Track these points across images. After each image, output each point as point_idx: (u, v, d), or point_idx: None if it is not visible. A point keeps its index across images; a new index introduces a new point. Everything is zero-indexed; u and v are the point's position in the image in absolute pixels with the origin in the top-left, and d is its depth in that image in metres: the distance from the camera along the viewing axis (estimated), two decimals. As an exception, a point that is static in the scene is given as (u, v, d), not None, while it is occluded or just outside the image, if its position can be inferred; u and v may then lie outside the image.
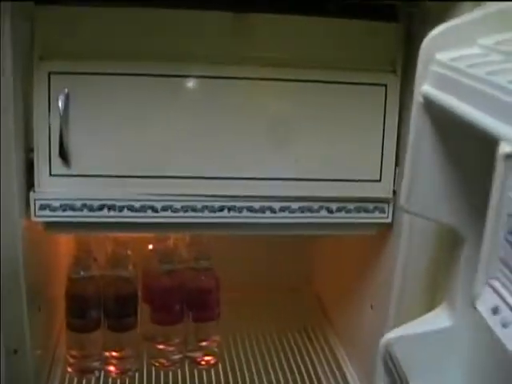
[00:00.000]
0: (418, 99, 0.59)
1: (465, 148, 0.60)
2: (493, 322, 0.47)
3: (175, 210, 0.80)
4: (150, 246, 1.00)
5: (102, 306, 0.92)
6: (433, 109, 0.58)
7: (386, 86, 0.82)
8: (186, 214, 0.81)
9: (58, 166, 0.78)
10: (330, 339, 1.10)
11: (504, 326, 0.46)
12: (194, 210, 0.81)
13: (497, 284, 0.48)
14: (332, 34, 0.82)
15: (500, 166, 0.46)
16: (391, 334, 0.71)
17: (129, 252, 0.97)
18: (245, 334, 1.10)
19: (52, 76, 0.76)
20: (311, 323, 1.14)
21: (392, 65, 0.82)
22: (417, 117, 0.60)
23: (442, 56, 0.58)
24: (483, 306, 0.49)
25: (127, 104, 0.78)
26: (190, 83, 0.79)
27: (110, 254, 0.96)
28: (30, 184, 0.79)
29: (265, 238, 1.02)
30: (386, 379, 0.73)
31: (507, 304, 0.46)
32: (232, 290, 1.01)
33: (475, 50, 0.58)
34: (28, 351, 0.81)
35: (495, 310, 0.47)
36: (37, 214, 0.79)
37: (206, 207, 0.80)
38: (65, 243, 1.05)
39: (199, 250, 0.97)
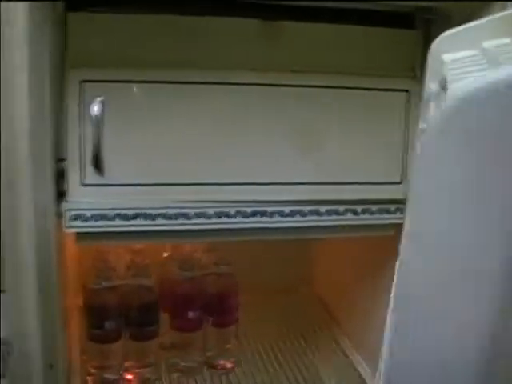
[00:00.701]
0: (424, 95, 0.63)
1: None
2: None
3: (209, 217, 0.80)
4: (165, 254, 1.00)
5: (124, 316, 0.91)
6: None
7: (407, 91, 0.84)
8: (220, 220, 0.81)
9: (90, 175, 0.77)
10: (340, 339, 1.12)
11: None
12: (227, 215, 0.81)
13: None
14: (354, 41, 0.84)
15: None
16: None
17: (147, 260, 0.96)
18: (256, 337, 1.10)
19: (84, 84, 0.75)
20: (318, 324, 1.16)
21: (413, 70, 0.84)
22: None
23: (446, 57, 0.61)
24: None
25: (160, 112, 0.78)
26: (223, 90, 0.79)
27: (129, 263, 0.95)
28: (59, 194, 0.77)
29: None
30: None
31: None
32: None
33: (475, 52, 0.62)
34: (60, 365, 0.79)
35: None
36: (68, 224, 0.77)
37: (239, 213, 0.81)
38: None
39: (218, 255, 0.97)
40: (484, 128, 0.50)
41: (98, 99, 0.74)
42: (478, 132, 0.51)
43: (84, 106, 0.75)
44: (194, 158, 0.79)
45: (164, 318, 0.96)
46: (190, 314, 0.94)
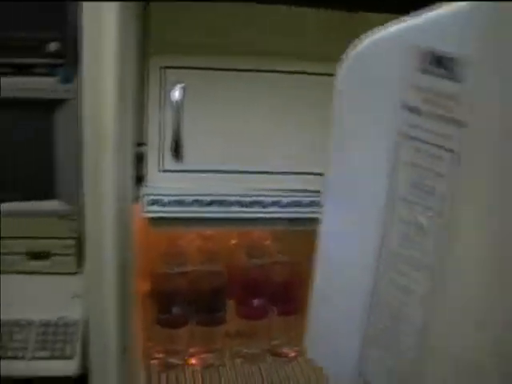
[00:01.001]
0: None
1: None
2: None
3: (283, 206, 0.80)
4: (233, 241, 1.00)
5: (193, 301, 0.92)
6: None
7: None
8: (293, 209, 0.81)
9: (169, 160, 0.78)
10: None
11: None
12: (300, 205, 0.81)
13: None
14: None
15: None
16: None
17: (216, 246, 0.96)
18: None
19: (165, 70, 0.76)
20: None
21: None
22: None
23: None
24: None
25: (238, 99, 0.78)
26: (296, 79, 0.79)
27: (199, 248, 0.96)
28: (137, 179, 0.78)
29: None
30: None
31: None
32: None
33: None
34: (131, 348, 0.81)
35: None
36: (146, 209, 0.78)
37: (314, 202, 0.81)
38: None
39: (286, 243, 0.98)
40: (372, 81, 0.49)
41: (179, 85, 0.75)
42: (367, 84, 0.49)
43: (165, 91, 0.76)
44: (271, 146, 0.79)
45: (229, 305, 0.97)
46: (256, 302, 0.95)
